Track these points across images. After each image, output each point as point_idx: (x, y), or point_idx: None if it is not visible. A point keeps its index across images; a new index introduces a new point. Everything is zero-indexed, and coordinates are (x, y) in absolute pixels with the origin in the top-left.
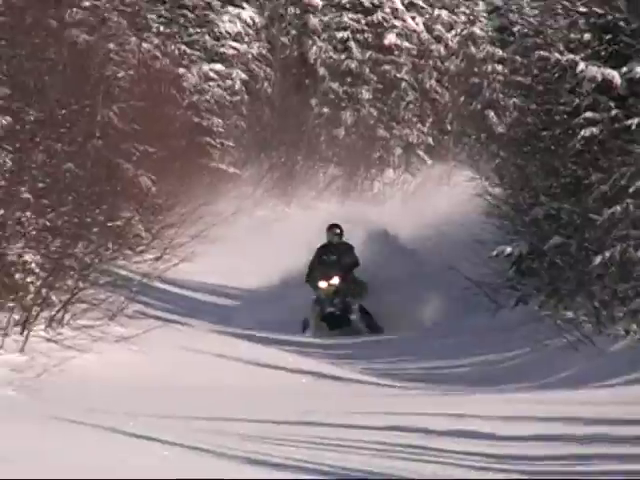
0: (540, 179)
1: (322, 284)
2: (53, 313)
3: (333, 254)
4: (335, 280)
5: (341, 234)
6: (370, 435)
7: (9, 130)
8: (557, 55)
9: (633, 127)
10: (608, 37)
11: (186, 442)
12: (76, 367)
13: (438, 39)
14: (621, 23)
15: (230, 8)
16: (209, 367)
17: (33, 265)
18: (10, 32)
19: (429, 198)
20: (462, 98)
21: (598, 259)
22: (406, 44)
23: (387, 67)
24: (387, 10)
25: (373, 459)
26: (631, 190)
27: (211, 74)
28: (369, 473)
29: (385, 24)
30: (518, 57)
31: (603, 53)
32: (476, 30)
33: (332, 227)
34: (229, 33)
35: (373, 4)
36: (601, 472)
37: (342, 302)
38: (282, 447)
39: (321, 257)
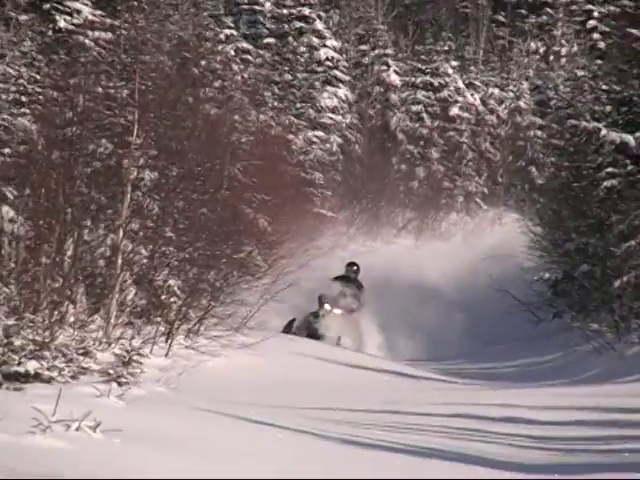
0: (571, 220)
1: (327, 307)
2: (191, 326)
3: (347, 287)
4: (336, 311)
5: (357, 272)
6: (437, 420)
7: (156, 183)
8: (584, 123)
9: None
10: (624, 109)
11: (295, 427)
12: (209, 368)
13: (491, 111)
14: (635, 98)
15: (328, 87)
16: (313, 368)
17: (175, 288)
18: (157, 107)
19: (484, 235)
20: (510, 157)
21: (617, 282)
22: (466, 115)
23: (451, 133)
24: (452, 88)
25: (439, 439)
26: None
27: (313, 139)
28: (436, 451)
29: (450, 99)
30: (554, 125)
31: (621, 121)
32: (521, 104)
33: (351, 264)
34: (328, 107)
35: (440, 84)
36: (620, 450)
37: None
38: (370, 430)
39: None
